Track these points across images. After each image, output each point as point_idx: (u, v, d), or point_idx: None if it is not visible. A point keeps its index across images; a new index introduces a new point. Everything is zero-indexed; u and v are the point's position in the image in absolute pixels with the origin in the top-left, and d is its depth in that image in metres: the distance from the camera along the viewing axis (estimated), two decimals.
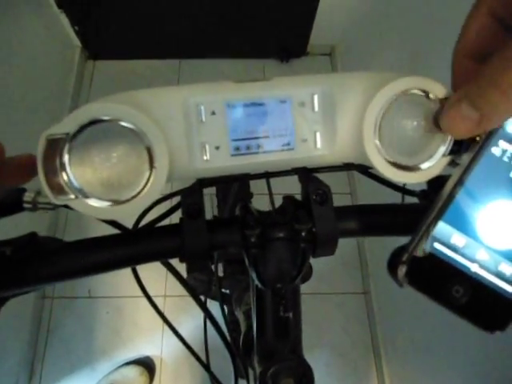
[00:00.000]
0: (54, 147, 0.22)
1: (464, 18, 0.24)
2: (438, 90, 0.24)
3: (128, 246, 0.30)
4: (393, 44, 1.37)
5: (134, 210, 0.23)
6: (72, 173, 0.22)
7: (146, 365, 1.39)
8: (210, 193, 1.43)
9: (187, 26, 1.82)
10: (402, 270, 0.23)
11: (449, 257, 0.23)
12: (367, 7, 1.57)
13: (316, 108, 0.25)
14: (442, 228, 0.23)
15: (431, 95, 0.24)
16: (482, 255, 0.23)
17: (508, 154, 0.23)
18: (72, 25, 1.76)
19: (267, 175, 0.39)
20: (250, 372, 0.43)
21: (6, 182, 0.26)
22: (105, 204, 0.23)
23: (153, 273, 1.34)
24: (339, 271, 1.59)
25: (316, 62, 2.01)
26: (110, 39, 1.89)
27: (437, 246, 0.23)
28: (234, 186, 0.66)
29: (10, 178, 0.26)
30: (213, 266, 0.48)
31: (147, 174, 0.23)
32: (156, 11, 1.74)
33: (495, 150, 0.23)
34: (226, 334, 0.46)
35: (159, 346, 1.44)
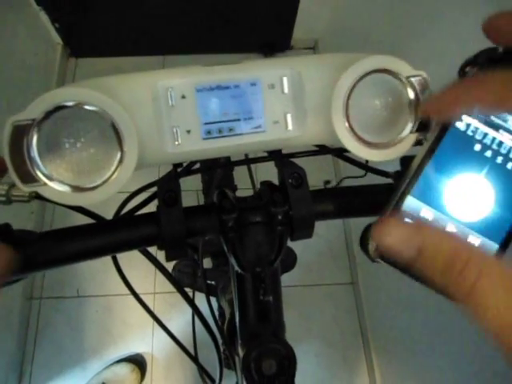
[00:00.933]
0: (21, 133, 0.21)
1: (442, 14, 0.24)
2: (404, 69, 0.25)
3: (106, 235, 0.30)
4: (375, 36, 1.38)
5: (105, 195, 0.23)
6: (40, 159, 0.22)
7: (137, 362, 1.39)
8: (196, 189, 1.43)
9: (170, 22, 1.81)
10: (372, 245, 0.24)
11: None
12: (350, 0, 1.58)
13: (286, 90, 0.25)
14: (411, 203, 0.24)
15: (397, 74, 0.24)
16: (450, 228, 0.24)
17: (472, 128, 0.24)
18: (52, 22, 1.73)
19: (247, 161, 0.39)
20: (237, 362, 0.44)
21: None
22: (75, 190, 0.23)
23: (142, 270, 1.34)
24: (327, 262, 1.60)
25: (300, 55, 2.01)
26: (91, 36, 1.87)
27: (407, 220, 0.24)
28: (216, 177, 0.66)
29: None
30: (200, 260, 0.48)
31: (117, 158, 0.23)
32: (139, 7, 1.72)
33: (460, 125, 0.24)
34: (212, 323, 0.46)
35: (150, 342, 1.44)
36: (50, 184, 0.22)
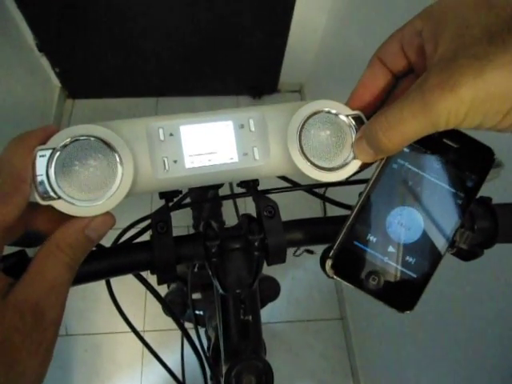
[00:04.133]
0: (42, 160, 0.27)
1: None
2: (342, 110, 0.32)
3: (105, 260, 0.34)
4: (357, 79, 1.49)
5: (107, 208, 0.28)
6: (56, 178, 0.27)
7: None
8: (187, 225, 1.47)
9: (164, 66, 1.92)
10: (328, 264, 0.29)
11: (365, 251, 0.29)
12: (331, 49, 1.71)
13: (252, 128, 0.32)
14: (359, 229, 0.29)
15: (337, 113, 0.32)
16: (391, 249, 0.29)
17: (405, 169, 0.30)
18: (53, 67, 1.84)
19: (231, 196, 0.45)
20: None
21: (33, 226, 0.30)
22: (82, 204, 0.28)
23: (131, 308, 1.34)
24: (316, 298, 1.62)
25: (286, 98, 2.13)
26: (88, 79, 1.97)
27: (356, 243, 0.29)
28: (204, 211, 0.71)
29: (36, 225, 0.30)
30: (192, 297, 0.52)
31: (117, 179, 0.28)
32: (134, 52, 1.84)
33: (395, 166, 0.30)
34: (199, 348, 0.49)
35: (138, 382, 1.42)
36: (64, 197, 0.27)
